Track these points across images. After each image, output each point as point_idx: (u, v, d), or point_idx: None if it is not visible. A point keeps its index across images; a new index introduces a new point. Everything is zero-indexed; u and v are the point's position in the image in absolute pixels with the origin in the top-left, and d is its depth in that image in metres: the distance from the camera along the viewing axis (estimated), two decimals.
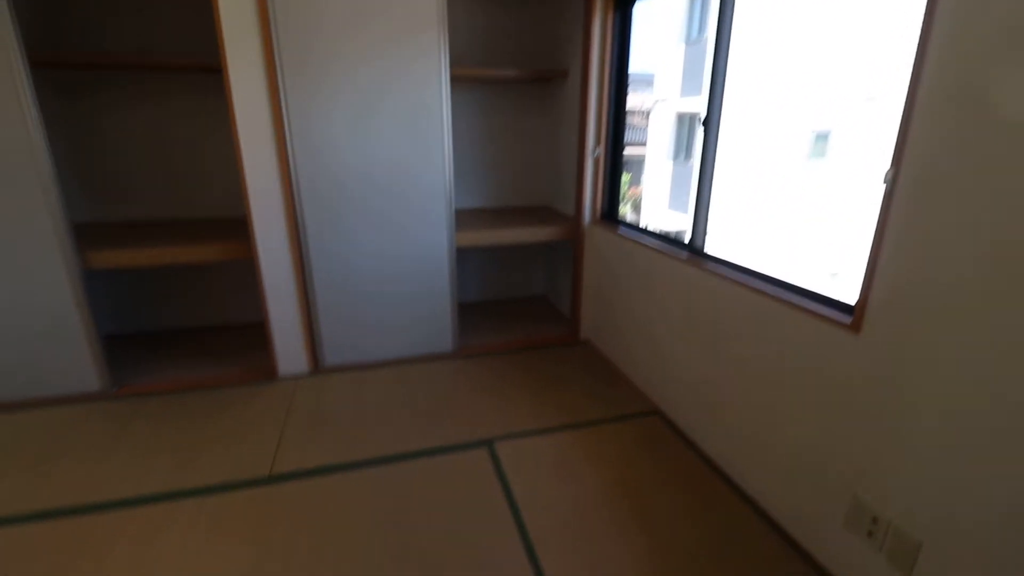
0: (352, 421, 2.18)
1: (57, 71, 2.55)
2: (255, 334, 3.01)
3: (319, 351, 2.62)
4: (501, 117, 3.24)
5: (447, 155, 2.52)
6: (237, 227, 2.70)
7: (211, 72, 2.56)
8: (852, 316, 1.37)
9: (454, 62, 2.72)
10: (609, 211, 2.84)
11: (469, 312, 3.37)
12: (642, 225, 2.58)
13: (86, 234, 2.49)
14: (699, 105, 10.03)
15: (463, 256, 3.38)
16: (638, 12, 2.51)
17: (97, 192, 2.77)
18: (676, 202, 10.75)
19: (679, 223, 10.05)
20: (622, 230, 2.61)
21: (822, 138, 8.63)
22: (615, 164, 2.77)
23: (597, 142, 2.72)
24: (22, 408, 2.25)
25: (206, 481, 1.80)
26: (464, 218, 3.01)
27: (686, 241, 2.15)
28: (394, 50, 2.30)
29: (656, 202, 11.18)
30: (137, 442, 2.02)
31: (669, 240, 2.31)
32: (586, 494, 1.76)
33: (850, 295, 1.41)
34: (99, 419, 2.18)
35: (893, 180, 1.22)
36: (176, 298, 3.07)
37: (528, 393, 2.42)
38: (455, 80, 2.82)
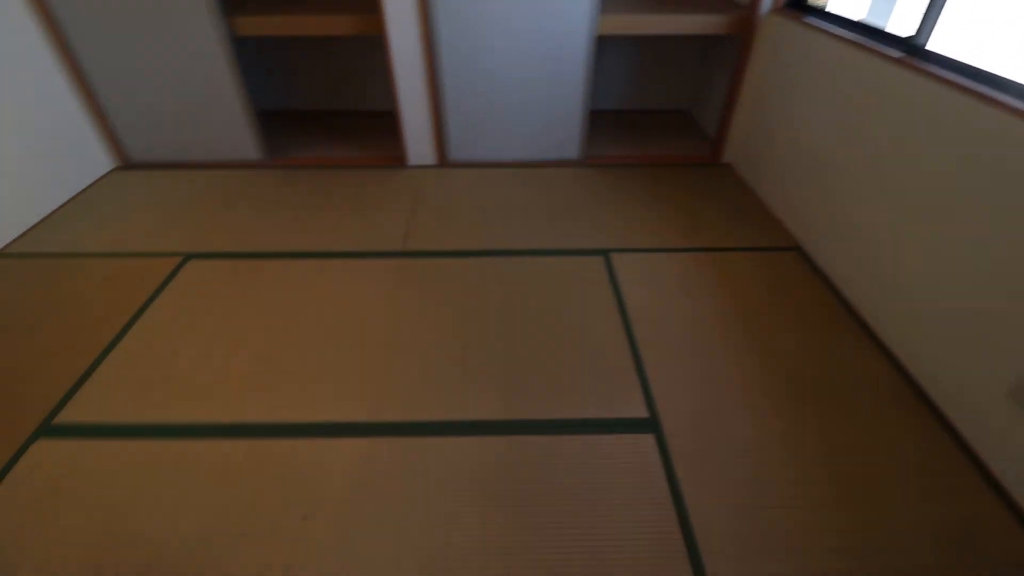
0: (474, 214, 2.24)
1: None
2: (390, 121, 3.06)
3: (445, 145, 2.61)
4: None
5: None
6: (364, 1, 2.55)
7: None
8: None
9: None
10: None
11: (601, 120, 3.08)
12: (839, 14, 1.98)
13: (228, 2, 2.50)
14: None
15: (601, 53, 2.98)
16: None
17: None
18: (880, 5, 8.30)
19: None
20: (810, 19, 2.05)
21: None
22: None
23: None
24: (206, 168, 2.60)
25: (347, 247, 2.02)
26: (610, 2, 2.55)
27: (902, 36, 1.63)
28: None
29: (851, 5, 8.71)
30: (291, 207, 2.28)
31: (877, 33, 1.77)
32: (701, 315, 1.71)
33: None
34: (259, 184, 2.46)
35: None
36: (318, 81, 3.14)
37: (654, 210, 2.28)
38: None
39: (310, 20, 2.29)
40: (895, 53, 1.60)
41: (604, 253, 2.00)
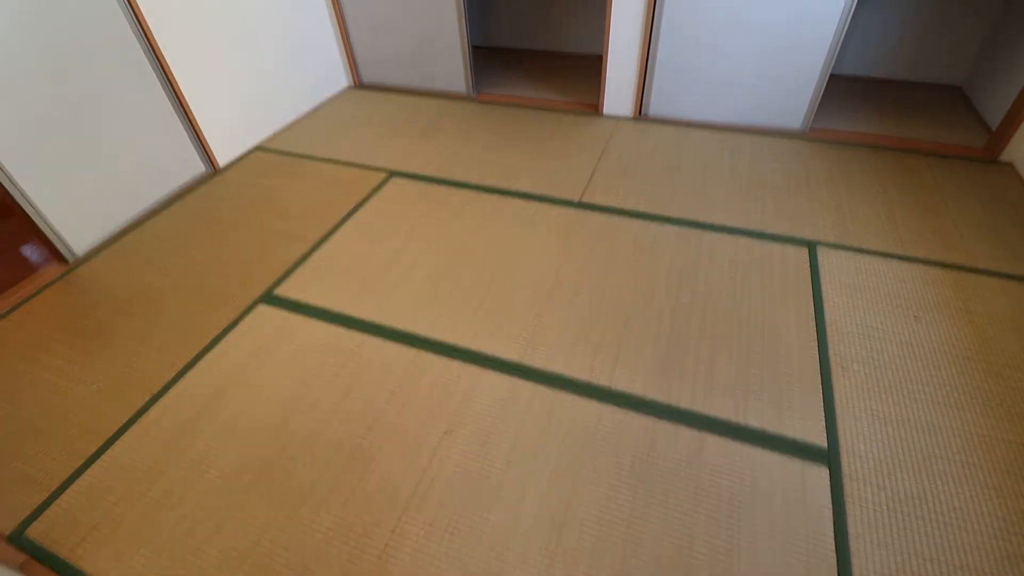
0: (662, 175, 2.07)
1: None
2: (589, 66, 2.97)
3: (646, 97, 2.43)
4: None
5: None
6: None
7: None
8: None
9: None
10: None
11: (841, 86, 2.59)
12: None
13: None
14: None
15: (861, 4, 2.45)
16: None
17: None
18: None
19: None
20: None
21: None
22: None
23: None
24: (420, 95, 2.82)
25: (528, 189, 2.03)
26: None
27: None
28: None
29: None
30: (484, 142, 2.35)
31: None
32: (925, 346, 1.38)
33: None
34: (461, 115, 2.58)
35: None
36: (529, 19, 3.13)
37: (886, 205, 1.86)
38: None
39: None
40: None
41: (810, 245, 1.71)
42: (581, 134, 2.38)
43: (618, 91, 2.47)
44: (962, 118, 2.35)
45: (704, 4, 2.11)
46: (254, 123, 2.43)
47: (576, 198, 1.97)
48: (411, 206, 1.97)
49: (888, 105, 2.46)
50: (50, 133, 1.68)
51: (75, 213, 1.81)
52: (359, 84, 2.98)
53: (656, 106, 2.45)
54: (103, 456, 1.22)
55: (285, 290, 1.64)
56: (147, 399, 1.35)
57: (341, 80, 2.94)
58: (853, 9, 1.96)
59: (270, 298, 1.61)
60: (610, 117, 2.52)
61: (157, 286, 1.69)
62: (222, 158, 2.30)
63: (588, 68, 2.97)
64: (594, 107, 2.58)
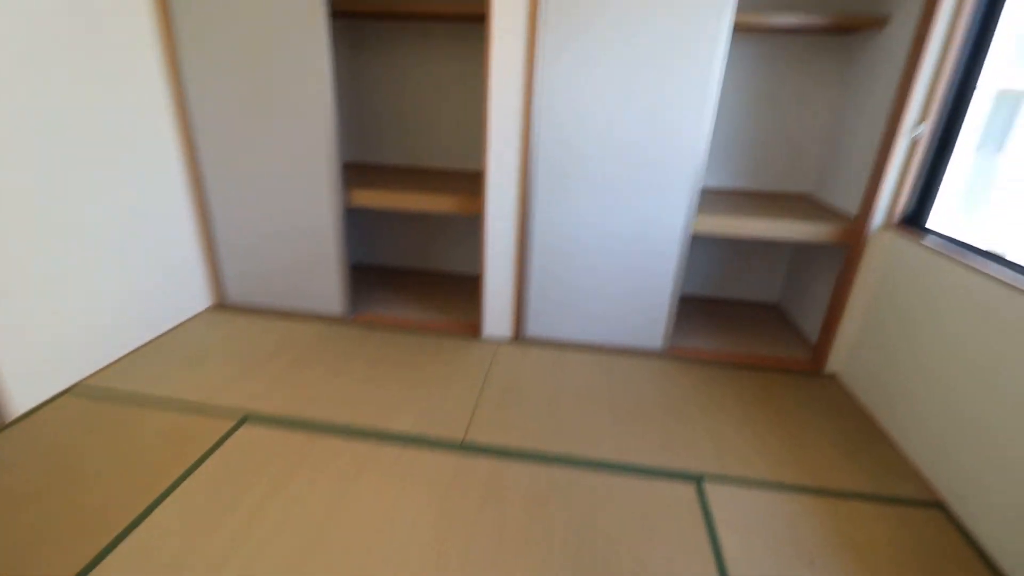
0: (546, 404, 2.04)
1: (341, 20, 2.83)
2: (468, 287, 3.11)
3: (522, 319, 2.55)
4: (774, 78, 2.63)
5: (707, 129, 2.12)
6: (470, 181, 2.73)
7: (474, 22, 2.57)
8: None
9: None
10: (915, 214, 2.10)
11: (686, 306, 2.95)
12: (965, 239, 1.82)
13: (344, 174, 2.78)
14: None
15: (692, 243, 2.96)
16: None
17: (354, 136, 3.08)
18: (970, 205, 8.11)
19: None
20: (932, 241, 1.89)
21: None
22: (942, 150, 2.00)
23: (922, 118, 1.98)
24: (291, 317, 2.68)
25: (407, 430, 1.85)
26: (705, 199, 2.57)
27: None
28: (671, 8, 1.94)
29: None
30: (358, 373, 2.20)
31: (1014, 265, 1.56)
32: None
33: None
34: (334, 341, 2.45)
35: None
36: (407, 242, 3.33)
37: (750, 426, 1.98)
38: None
39: (419, 198, 2.44)
40: None
41: (697, 480, 1.69)
42: (463, 359, 2.35)
43: (496, 314, 2.56)
44: (787, 333, 2.74)
45: (566, 254, 2.38)
46: (76, 355, 2.04)
47: (460, 438, 1.83)
48: (262, 464, 1.66)
49: (727, 322, 2.82)
50: None
51: None
52: (222, 304, 2.78)
53: (533, 328, 2.56)
54: None
55: None
56: None
57: (201, 299, 2.71)
58: (685, 254, 2.32)
59: None
60: (491, 340, 2.56)
61: None
62: (19, 404, 1.84)
63: (468, 287, 3.11)
64: (475, 328, 2.63)
